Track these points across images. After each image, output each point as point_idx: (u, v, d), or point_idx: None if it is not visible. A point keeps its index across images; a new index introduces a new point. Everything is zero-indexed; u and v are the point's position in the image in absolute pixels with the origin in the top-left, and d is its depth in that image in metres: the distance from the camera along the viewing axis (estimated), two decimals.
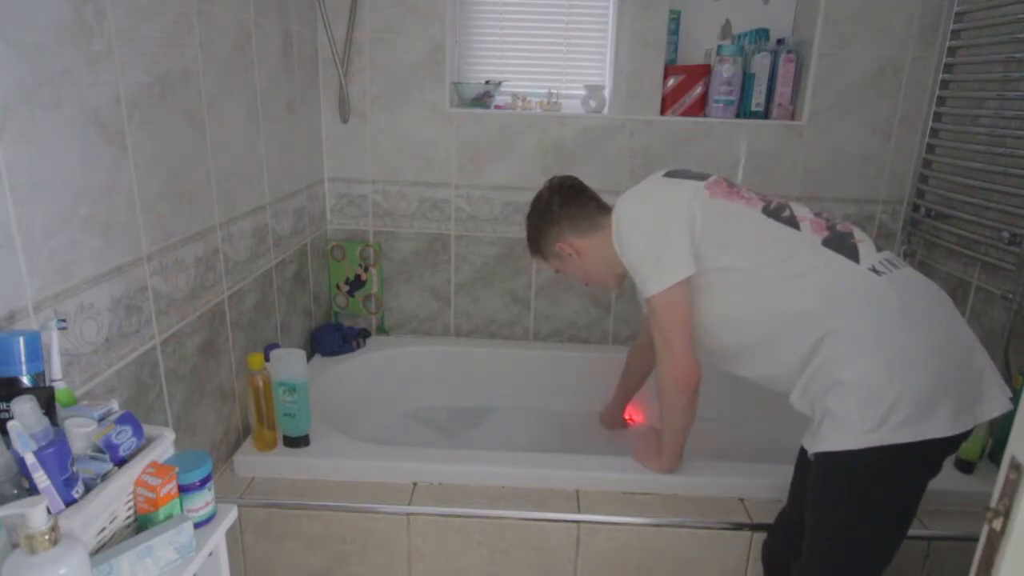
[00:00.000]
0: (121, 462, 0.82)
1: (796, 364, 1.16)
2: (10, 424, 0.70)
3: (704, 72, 2.06)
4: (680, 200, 1.27)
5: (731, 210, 1.26)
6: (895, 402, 1.03)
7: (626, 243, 1.31)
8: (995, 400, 1.07)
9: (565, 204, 1.44)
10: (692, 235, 1.24)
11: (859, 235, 1.22)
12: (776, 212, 1.25)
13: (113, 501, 0.79)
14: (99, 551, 0.78)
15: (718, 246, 1.23)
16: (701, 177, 1.34)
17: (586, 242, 1.43)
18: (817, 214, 1.26)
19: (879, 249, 1.20)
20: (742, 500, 1.48)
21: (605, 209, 1.44)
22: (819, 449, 1.10)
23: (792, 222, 1.23)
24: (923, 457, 1.07)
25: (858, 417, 1.05)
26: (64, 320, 0.94)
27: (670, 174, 1.39)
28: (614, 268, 1.39)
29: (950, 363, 1.07)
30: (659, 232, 1.25)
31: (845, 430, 1.06)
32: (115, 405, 0.86)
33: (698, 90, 2.07)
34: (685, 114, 2.08)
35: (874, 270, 1.14)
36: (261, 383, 1.50)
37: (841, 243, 1.19)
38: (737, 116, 2.07)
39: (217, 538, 0.90)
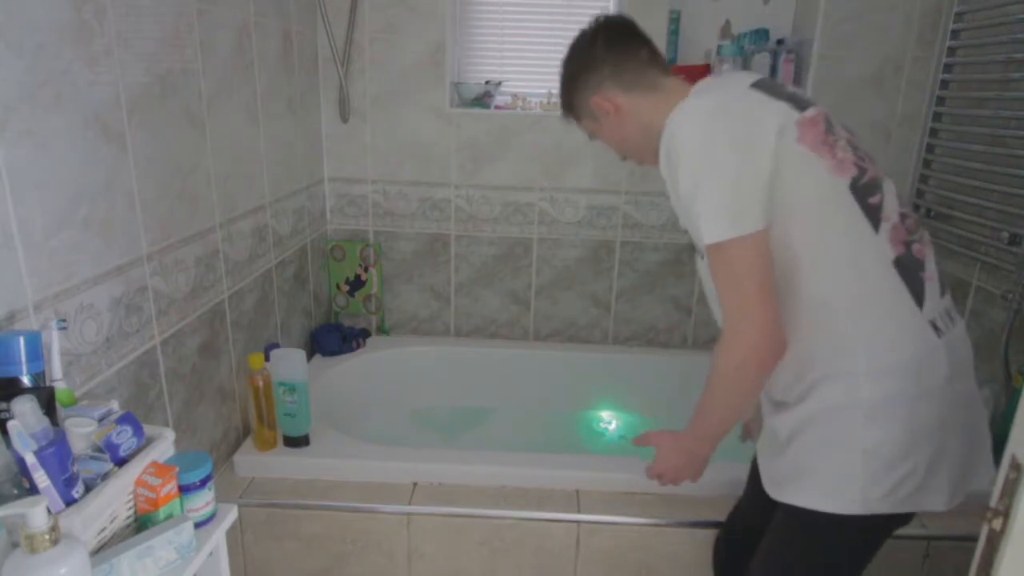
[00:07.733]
0: (121, 462, 0.82)
1: (786, 390, 1.01)
2: (10, 424, 0.70)
3: (704, 72, 2.06)
4: (767, 127, 0.93)
5: (812, 171, 0.94)
6: (907, 474, 0.94)
7: (685, 166, 0.94)
8: (986, 471, 1.00)
9: (611, 46, 1.10)
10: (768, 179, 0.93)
11: (930, 267, 0.97)
12: (864, 192, 0.96)
13: (113, 501, 0.79)
14: (99, 551, 0.78)
15: (776, 211, 0.93)
16: (797, 103, 0.97)
17: (629, 100, 1.08)
18: (903, 215, 0.98)
19: (942, 291, 0.98)
20: None
21: (659, 65, 1.12)
22: (808, 505, 0.99)
23: (876, 215, 0.95)
24: (897, 525, 1.01)
25: (862, 483, 0.95)
26: (64, 320, 0.94)
27: (759, 85, 1.00)
28: (657, 142, 1.03)
29: (966, 439, 0.99)
30: (736, 157, 0.92)
31: (844, 492, 0.96)
32: (115, 405, 0.86)
33: None
34: None
35: (934, 326, 0.94)
36: (261, 383, 1.50)
37: (912, 273, 0.95)
38: None
39: (217, 538, 0.90)
